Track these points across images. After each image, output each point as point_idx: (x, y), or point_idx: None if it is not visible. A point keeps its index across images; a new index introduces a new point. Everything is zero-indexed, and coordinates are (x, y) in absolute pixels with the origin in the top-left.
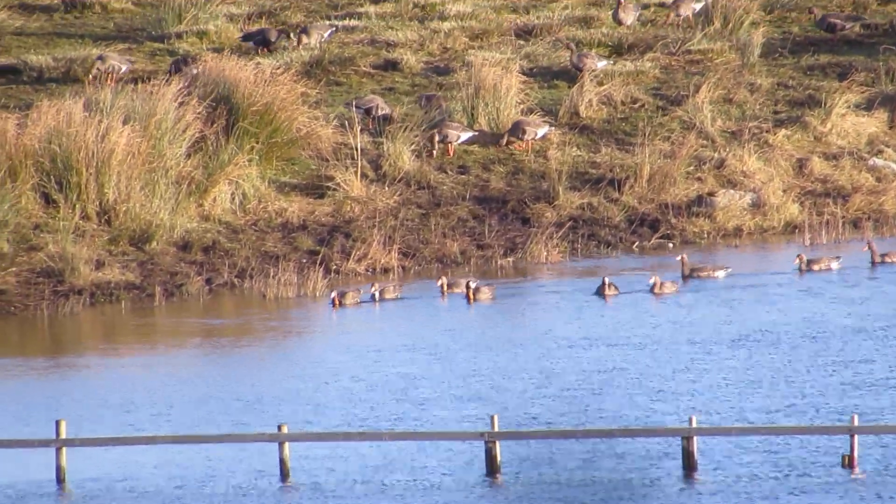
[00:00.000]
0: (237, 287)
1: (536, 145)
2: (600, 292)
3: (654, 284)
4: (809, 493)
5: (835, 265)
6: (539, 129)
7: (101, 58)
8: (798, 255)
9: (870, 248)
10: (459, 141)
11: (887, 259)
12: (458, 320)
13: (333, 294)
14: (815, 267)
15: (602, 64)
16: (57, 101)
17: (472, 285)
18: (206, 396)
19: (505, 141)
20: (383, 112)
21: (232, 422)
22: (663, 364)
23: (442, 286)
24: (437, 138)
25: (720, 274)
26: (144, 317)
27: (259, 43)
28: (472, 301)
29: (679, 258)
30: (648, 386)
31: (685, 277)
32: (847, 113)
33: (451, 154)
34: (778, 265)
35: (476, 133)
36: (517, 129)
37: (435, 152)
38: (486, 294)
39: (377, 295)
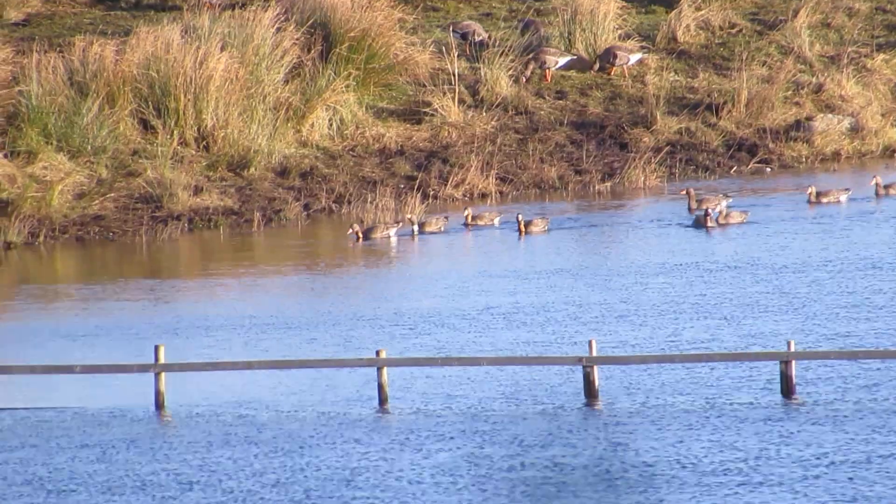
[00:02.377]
0: (335, 212)
1: (634, 70)
2: (700, 223)
3: (720, 214)
4: None
5: (843, 198)
6: (632, 56)
7: None
8: (809, 188)
9: (875, 181)
10: (557, 66)
11: (891, 191)
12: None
13: (355, 228)
14: (825, 199)
15: None
16: (155, 28)
17: (522, 218)
18: (357, 316)
19: (597, 67)
20: (480, 37)
21: (399, 345)
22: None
23: (467, 218)
24: (532, 65)
25: (723, 204)
26: (244, 242)
27: None
28: (522, 234)
29: (684, 191)
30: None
31: (691, 209)
32: None
33: (549, 79)
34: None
35: (574, 58)
36: (608, 56)
37: (526, 78)
38: (539, 226)
39: (416, 228)
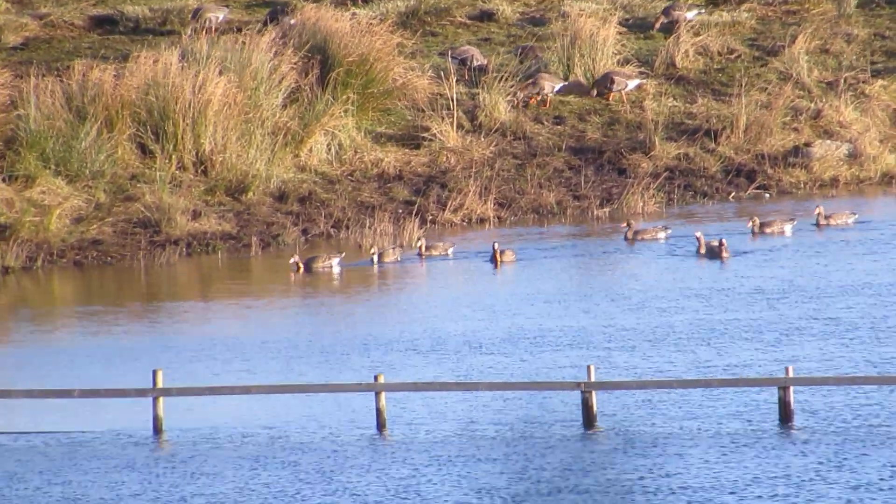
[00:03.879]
0: (333, 237)
1: (632, 96)
2: (715, 254)
3: (699, 243)
4: None
5: (788, 228)
6: (629, 81)
7: (196, 13)
8: (751, 218)
9: (818, 211)
10: (554, 91)
11: (831, 222)
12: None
13: (296, 258)
14: (768, 230)
15: (692, 14)
16: (153, 52)
17: (499, 247)
18: (384, 340)
19: (595, 92)
20: (479, 63)
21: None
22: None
23: (420, 248)
24: (530, 89)
25: (661, 235)
26: (242, 266)
27: None
28: (499, 263)
29: (625, 223)
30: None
31: (629, 240)
32: None
33: (547, 105)
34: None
35: (571, 83)
36: (606, 80)
37: (524, 103)
38: (509, 257)
39: (376, 258)
